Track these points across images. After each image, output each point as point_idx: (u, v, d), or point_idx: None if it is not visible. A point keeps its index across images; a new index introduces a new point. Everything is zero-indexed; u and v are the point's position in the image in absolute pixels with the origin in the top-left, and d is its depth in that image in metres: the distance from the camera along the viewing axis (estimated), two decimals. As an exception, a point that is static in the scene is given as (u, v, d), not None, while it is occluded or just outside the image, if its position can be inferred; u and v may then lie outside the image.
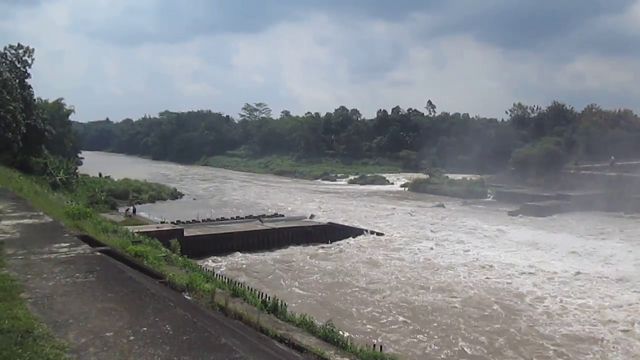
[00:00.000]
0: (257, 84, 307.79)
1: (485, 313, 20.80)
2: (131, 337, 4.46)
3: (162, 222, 33.97)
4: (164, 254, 18.36)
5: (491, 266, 28.48)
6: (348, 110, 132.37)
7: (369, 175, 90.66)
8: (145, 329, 4.66)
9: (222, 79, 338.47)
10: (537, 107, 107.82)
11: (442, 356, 16.67)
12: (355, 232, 37.09)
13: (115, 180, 58.86)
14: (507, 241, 36.09)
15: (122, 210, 41.60)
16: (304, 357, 9.26)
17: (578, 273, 26.96)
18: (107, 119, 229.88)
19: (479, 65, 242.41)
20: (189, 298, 9.65)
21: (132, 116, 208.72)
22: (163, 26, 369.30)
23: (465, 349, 17.23)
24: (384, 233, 37.60)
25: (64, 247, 8.04)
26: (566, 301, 22.47)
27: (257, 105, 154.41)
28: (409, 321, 19.62)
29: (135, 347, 4.25)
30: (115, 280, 6.46)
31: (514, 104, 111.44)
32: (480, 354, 16.95)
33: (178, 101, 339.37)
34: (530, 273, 27.12)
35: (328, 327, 13.53)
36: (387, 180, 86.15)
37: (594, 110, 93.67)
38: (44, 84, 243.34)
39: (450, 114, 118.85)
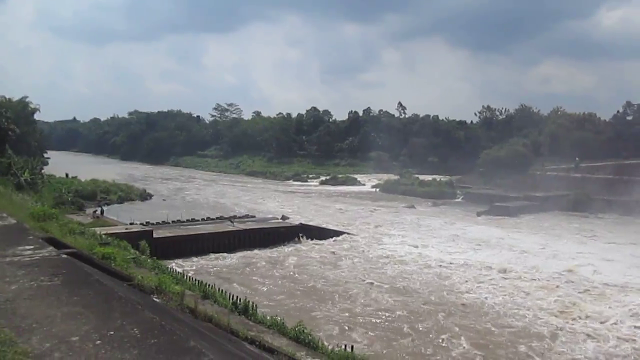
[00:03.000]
0: (228, 84, 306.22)
1: (449, 312, 21.07)
2: (98, 342, 4.37)
3: (130, 224, 33.39)
4: (132, 256, 18.06)
5: (467, 264, 28.96)
6: (320, 111, 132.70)
7: (340, 176, 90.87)
8: (112, 332, 4.58)
9: (192, 79, 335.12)
10: (505, 110, 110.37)
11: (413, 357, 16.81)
12: (327, 233, 37.15)
13: (83, 180, 57.64)
14: (471, 242, 36.60)
15: (89, 211, 40.77)
16: (275, 358, 9.22)
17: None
18: (74, 118, 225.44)
19: (449, 68, 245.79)
20: (157, 300, 9.51)
21: (100, 115, 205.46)
22: (132, 24, 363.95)
23: (433, 348, 17.42)
24: (356, 234, 37.75)
25: (28, 249, 7.84)
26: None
27: (228, 105, 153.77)
28: (379, 322, 19.74)
29: (102, 352, 4.18)
30: (82, 283, 6.33)
31: (482, 106, 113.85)
32: (443, 351, 17.17)
33: (148, 101, 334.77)
34: (500, 275, 27.60)
35: (299, 328, 13.49)
36: (359, 181, 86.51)
37: (559, 112, 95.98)
38: (11, 81, 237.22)
39: (421, 115, 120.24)
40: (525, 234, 40.55)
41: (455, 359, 16.62)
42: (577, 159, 67.67)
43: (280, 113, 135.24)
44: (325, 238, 35.93)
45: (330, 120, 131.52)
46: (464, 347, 17.52)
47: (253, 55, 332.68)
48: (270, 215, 44.96)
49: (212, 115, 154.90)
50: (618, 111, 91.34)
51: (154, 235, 29.48)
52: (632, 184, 55.40)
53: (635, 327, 19.73)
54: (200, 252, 31.01)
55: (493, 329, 19.35)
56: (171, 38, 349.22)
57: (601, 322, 20.23)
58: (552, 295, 23.69)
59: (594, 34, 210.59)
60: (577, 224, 46.54)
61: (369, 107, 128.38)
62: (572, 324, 20.03)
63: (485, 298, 23.15)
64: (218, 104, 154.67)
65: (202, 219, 40.63)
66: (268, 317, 14.34)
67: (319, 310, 21.02)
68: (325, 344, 13.61)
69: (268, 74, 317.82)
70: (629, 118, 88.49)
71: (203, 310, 9.96)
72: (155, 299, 9.56)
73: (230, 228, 35.61)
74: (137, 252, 20.84)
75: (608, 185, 57.37)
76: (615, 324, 20.08)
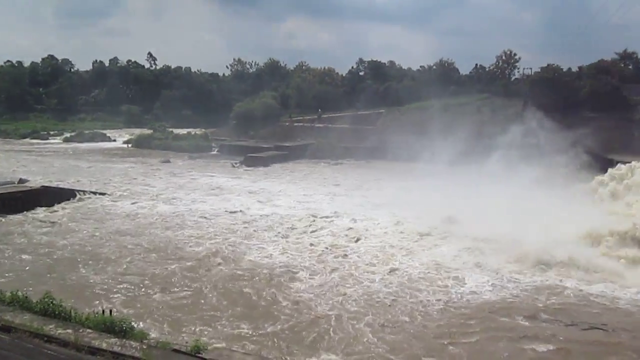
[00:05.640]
0: None
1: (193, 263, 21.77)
2: None
3: None
4: None
5: (216, 215, 29.87)
6: (58, 60, 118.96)
7: (87, 132, 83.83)
8: None
9: None
10: (256, 63, 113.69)
11: (171, 310, 16.97)
12: (74, 194, 34.28)
13: None
14: (222, 191, 38.49)
15: None
16: (12, 337, 8.42)
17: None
18: None
19: (200, 18, 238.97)
20: None
21: None
22: None
23: (187, 300, 17.87)
24: (107, 192, 35.76)
25: None
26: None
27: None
28: (134, 282, 19.31)
29: None
30: None
31: (234, 59, 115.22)
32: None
33: None
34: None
35: (46, 300, 12.54)
36: (109, 137, 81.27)
37: (304, 67, 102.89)
38: None
39: (173, 67, 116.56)
40: (271, 182, 43.83)
41: (219, 307, 17.30)
42: (319, 110, 73.99)
43: (8, 61, 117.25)
44: (71, 200, 33.22)
45: (72, 70, 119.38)
46: (212, 291, 18.36)
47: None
48: (4, 179, 39.51)
49: None
50: (352, 67, 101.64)
51: None
52: (364, 132, 63.03)
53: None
54: None
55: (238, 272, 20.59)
56: None
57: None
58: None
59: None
60: (314, 169, 52.28)
61: (115, 57, 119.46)
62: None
63: (230, 245, 24.48)
64: None
65: None
66: (8, 294, 13.00)
67: (71, 279, 19.62)
68: (80, 312, 12.92)
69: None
70: (362, 73, 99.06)
71: None
72: None
73: (-48, 197, 30.40)
74: None
75: (346, 133, 64.34)
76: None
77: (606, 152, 45.30)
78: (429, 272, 20.74)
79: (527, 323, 16.28)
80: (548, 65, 65.66)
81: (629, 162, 33.68)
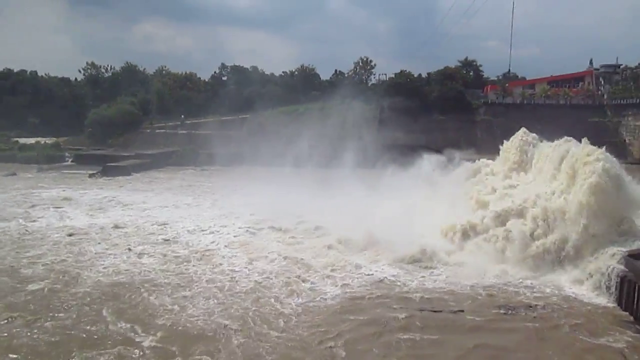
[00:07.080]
0: None
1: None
2: None
3: None
4: None
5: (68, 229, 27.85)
6: None
7: None
8: None
9: None
10: (111, 67, 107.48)
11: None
12: None
13: None
14: (79, 205, 35.88)
15: None
16: None
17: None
18: None
19: (45, 19, 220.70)
20: None
21: None
22: None
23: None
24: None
25: None
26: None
27: None
28: None
29: None
30: None
31: (87, 63, 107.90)
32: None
33: None
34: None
35: None
36: (-62, 150, 72.10)
37: (164, 72, 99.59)
38: None
39: (15, 70, 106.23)
40: (127, 192, 41.90)
41: (80, 333, 16.16)
42: (182, 116, 72.19)
43: None
44: None
45: None
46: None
47: None
48: None
49: None
50: (215, 72, 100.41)
51: None
52: (229, 138, 62.61)
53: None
54: None
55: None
56: None
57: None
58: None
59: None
60: (176, 177, 51.16)
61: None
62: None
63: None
64: None
65: None
66: None
67: None
68: None
69: None
70: (224, 78, 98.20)
71: None
72: None
73: None
74: None
75: (210, 139, 63.40)
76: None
77: (453, 150, 49.43)
78: (285, 274, 21.04)
79: (395, 315, 17.23)
80: (401, 71, 70.54)
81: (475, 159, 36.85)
